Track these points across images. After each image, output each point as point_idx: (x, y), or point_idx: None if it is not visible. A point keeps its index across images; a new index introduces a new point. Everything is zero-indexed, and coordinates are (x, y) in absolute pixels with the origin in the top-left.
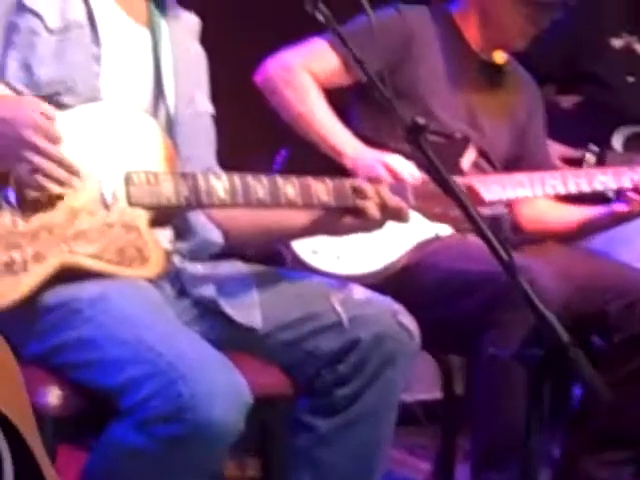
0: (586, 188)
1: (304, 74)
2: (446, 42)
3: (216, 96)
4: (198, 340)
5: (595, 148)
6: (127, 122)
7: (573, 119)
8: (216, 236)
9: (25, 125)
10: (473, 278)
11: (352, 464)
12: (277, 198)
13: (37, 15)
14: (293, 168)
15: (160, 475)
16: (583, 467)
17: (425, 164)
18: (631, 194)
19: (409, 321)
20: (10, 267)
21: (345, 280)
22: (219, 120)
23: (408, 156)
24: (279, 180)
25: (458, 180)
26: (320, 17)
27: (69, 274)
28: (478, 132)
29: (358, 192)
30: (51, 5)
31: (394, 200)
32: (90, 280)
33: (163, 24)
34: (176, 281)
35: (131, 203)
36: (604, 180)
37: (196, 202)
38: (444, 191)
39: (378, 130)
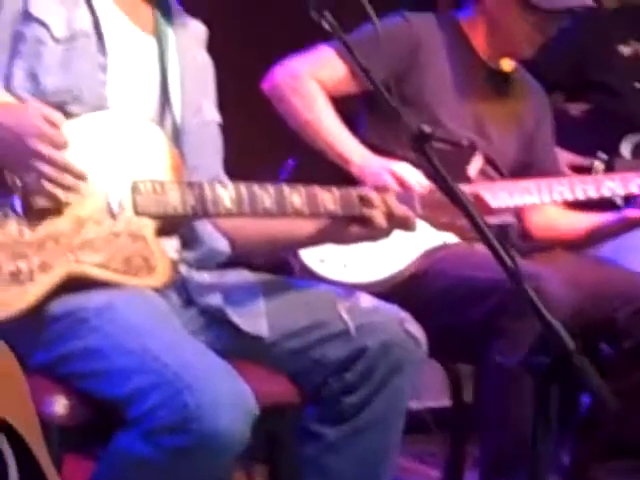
0: (594, 194)
1: (311, 82)
2: (453, 50)
3: (223, 105)
4: (204, 350)
5: (604, 156)
6: (133, 131)
7: (582, 127)
8: (223, 245)
9: (30, 134)
10: (480, 286)
11: (360, 471)
12: (283, 207)
13: (43, 24)
14: (300, 177)
15: None
16: (592, 475)
17: (431, 172)
18: None
19: (416, 329)
20: (16, 276)
21: (352, 288)
22: (226, 129)
23: (415, 164)
24: (285, 189)
25: (465, 188)
26: (326, 25)
27: (75, 283)
28: (486, 140)
29: (365, 201)
30: (57, 14)
31: (401, 209)
32: (96, 289)
33: (170, 33)
34: (182, 290)
35: (137, 212)
36: (612, 186)
37: (202, 211)
38: (450, 200)
39: (385, 138)
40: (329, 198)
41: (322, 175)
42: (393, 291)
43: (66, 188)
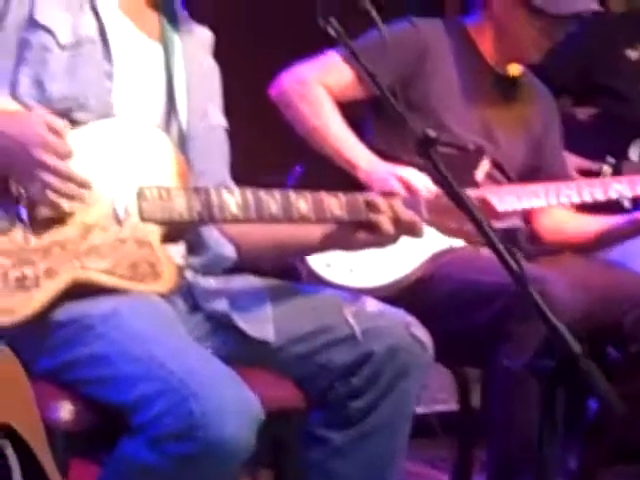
0: (601, 197)
1: (318, 88)
2: (460, 55)
3: (231, 111)
4: (209, 356)
5: (612, 160)
6: (139, 138)
7: (589, 131)
8: (229, 251)
9: (34, 143)
10: (485, 290)
11: (366, 476)
12: (290, 213)
13: (49, 31)
14: (307, 184)
15: None
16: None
17: (437, 177)
18: None
19: (422, 333)
20: (22, 283)
21: (358, 293)
22: (234, 135)
23: (422, 169)
24: (292, 195)
25: (471, 193)
26: (332, 32)
27: (81, 290)
28: (493, 144)
29: (371, 206)
30: (63, 21)
31: (407, 214)
32: (102, 296)
33: (176, 39)
34: (189, 296)
35: (143, 218)
36: (619, 189)
37: (209, 217)
38: (456, 204)
39: (392, 143)
40: (335, 204)
41: (330, 181)
42: (400, 295)
43: (70, 197)
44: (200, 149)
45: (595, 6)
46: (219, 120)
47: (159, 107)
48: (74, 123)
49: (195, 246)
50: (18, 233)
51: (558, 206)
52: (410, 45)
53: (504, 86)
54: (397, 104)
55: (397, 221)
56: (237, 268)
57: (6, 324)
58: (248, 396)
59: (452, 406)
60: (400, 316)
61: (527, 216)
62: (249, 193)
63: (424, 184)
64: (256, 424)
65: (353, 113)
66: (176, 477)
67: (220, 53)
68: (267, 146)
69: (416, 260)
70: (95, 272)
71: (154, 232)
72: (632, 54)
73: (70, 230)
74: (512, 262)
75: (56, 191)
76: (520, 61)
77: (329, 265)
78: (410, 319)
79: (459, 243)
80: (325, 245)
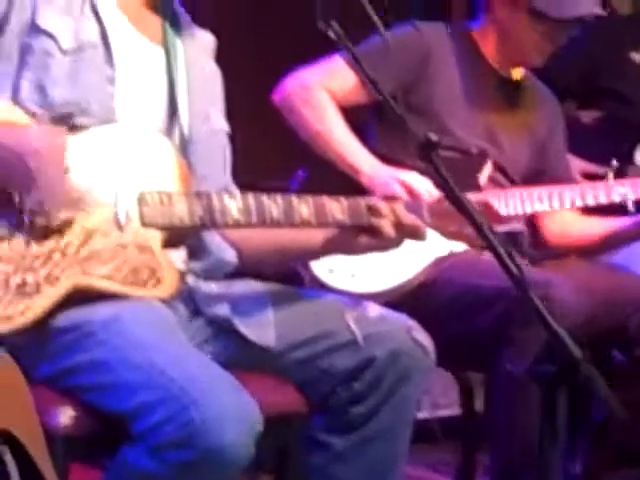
0: (604, 200)
1: (322, 92)
2: (464, 59)
3: (233, 115)
4: (209, 363)
5: (617, 164)
6: (141, 142)
7: (594, 134)
8: (230, 256)
9: (30, 154)
10: (487, 294)
11: None
12: (291, 218)
13: (51, 36)
14: (310, 188)
15: None
16: None
17: (439, 181)
18: None
19: (424, 337)
20: (22, 289)
21: (359, 298)
22: (237, 140)
23: (424, 173)
24: (293, 199)
25: (474, 197)
26: (333, 36)
27: (82, 295)
28: (497, 148)
29: (373, 211)
30: (65, 26)
31: (409, 218)
32: (103, 301)
33: (178, 43)
34: (190, 301)
35: (144, 224)
36: (623, 192)
37: (210, 222)
38: (457, 208)
39: (394, 148)
40: (337, 208)
41: (332, 186)
42: (402, 300)
43: (67, 208)
44: (202, 153)
45: (598, 10)
46: (221, 124)
47: (161, 111)
48: (76, 128)
49: (196, 251)
50: (19, 239)
51: (561, 210)
52: (413, 49)
53: (507, 90)
54: (398, 108)
55: (399, 225)
56: (239, 273)
57: (6, 331)
58: (248, 403)
59: (454, 411)
60: (402, 321)
61: (532, 220)
62: (251, 198)
63: (426, 188)
64: (256, 431)
65: (356, 118)
66: None
67: (222, 57)
68: (269, 150)
69: (418, 265)
70: (96, 278)
71: (155, 237)
72: (637, 57)
73: (71, 236)
74: (512, 266)
75: (52, 202)
76: (523, 65)
77: (332, 271)
78: (412, 323)
79: (461, 247)
80: (327, 249)
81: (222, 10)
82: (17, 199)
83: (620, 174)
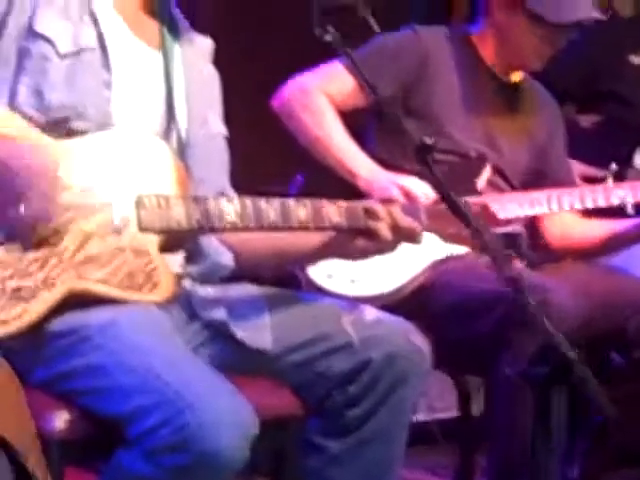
0: (603, 203)
1: (321, 97)
2: (463, 63)
3: (232, 120)
4: (204, 367)
5: (616, 168)
6: (139, 146)
7: (593, 138)
8: (227, 259)
9: (18, 167)
10: (486, 297)
11: None
12: (289, 221)
13: (49, 41)
14: (309, 193)
15: None
16: None
17: (435, 183)
18: None
19: (420, 341)
20: (18, 293)
21: (356, 301)
22: (237, 144)
23: (423, 177)
24: (291, 203)
25: (472, 199)
26: (329, 39)
27: (79, 299)
28: (497, 152)
29: (370, 213)
30: (63, 30)
31: (406, 221)
32: (99, 306)
33: (176, 48)
34: (186, 305)
35: (142, 227)
36: (622, 195)
37: (207, 226)
38: (452, 210)
39: (393, 152)
40: (334, 211)
41: (331, 191)
42: (401, 304)
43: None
44: (200, 157)
45: (596, 14)
46: (219, 128)
47: (158, 115)
48: (73, 132)
49: (193, 254)
50: (16, 244)
51: (560, 212)
52: (411, 51)
53: (507, 93)
54: (395, 110)
55: (396, 227)
56: (235, 276)
57: (1, 335)
58: (243, 407)
59: (453, 413)
60: (399, 324)
61: (532, 222)
62: (248, 201)
63: (425, 193)
64: (251, 434)
65: (355, 122)
66: None
67: (221, 62)
68: (268, 156)
69: (416, 268)
70: (92, 282)
71: (152, 241)
72: (636, 59)
73: (68, 240)
74: (507, 269)
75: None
76: (522, 69)
77: (330, 276)
78: (408, 326)
79: (460, 250)
80: (324, 253)
81: (221, 15)
82: (7, 212)
83: (619, 177)
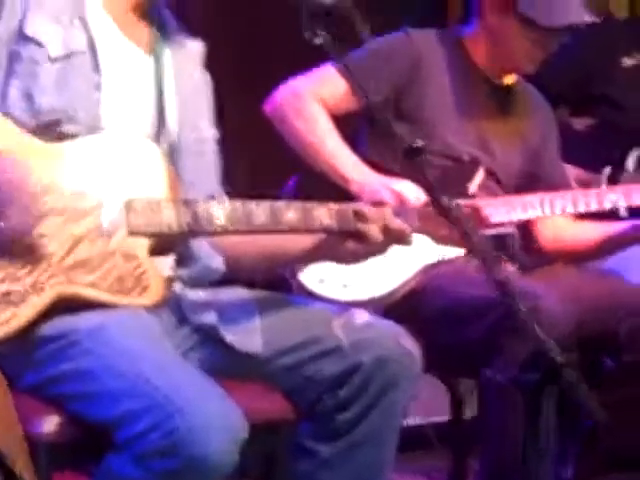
0: (596, 207)
1: (314, 102)
2: (454, 66)
3: (225, 124)
4: (194, 372)
5: (609, 172)
6: (129, 149)
7: (587, 141)
8: (217, 263)
9: (5, 187)
10: (478, 304)
11: None
12: (279, 223)
13: (39, 44)
14: (303, 197)
15: None
16: None
17: (425, 185)
18: None
19: (411, 344)
20: (8, 298)
21: (346, 305)
22: (234, 147)
23: (415, 181)
24: (281, 205)
25: (463, 202)
26: (319, 42)
27: (68, 303)
28: (489, 155)
29: (359, 216)
30: (54, 34)
31: (396, 223)
32: (88, 310)
33: (167, 51)
34: (176, 309)
35: (131, 231)
36: (614, 198)
37: (198, 229)
38: (439, 212)
39: (385, 155)
40: (325, 213)
41: (325, 194)
42: (392, 308)
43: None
44: (190, 161)
45: (588, 18)
46: (210, 131)
47: (149, 119)
48: (62, 135)
49: (184, 258)
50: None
51: (552, 216)
52: (403, 54)
53: (499, 96)
54: (385, 115)
55: (386, 229)
56: (225, 280)
57: None
58: (233, 411)
59: (447, 417)
60: (389, 328)
61: (525, 225)
62: (238, 204)
63: (417, 197)
64: (240, 439)
65: (348, 125)
66: None
67: (213, 67)
68: (262, 159)
69: (408, 272)
70: (81, 286)
71: (142, 245)
72: (627, 62)
73: (55, 244)
74: (497, 272)
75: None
76: (514, 71)
77: (322, 280)
78: (399, 330)
79: (452, 252)
80: (315, 255)
81: (213, 19)
82: None
83: (613, 180)
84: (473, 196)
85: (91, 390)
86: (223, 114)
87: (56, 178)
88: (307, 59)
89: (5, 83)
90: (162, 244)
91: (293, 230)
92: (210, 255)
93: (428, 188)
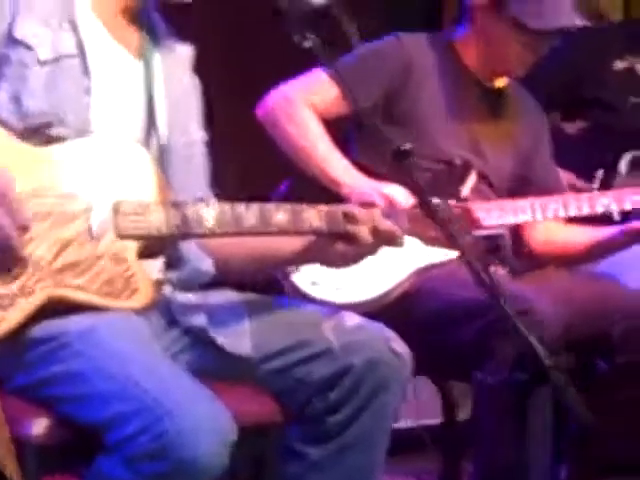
0: (588, 211)
1: (305, 107)
2: (446, 69)
3: (215, 127)
4: (183, 374)
5: (602, 174)
6: (118, 153)
7: (579, 144)
8: (207, 265)
9: None
10: (469, 307)
11: None
12: (268, 226)
13: (28, 47)
14: (294, 200)
15: None
16: None
17: (413, 187)
18: None
19: (401, 347)
20: None
21: (337, 308)
22: (226, 150)
23: (404, 184)
24: (270, 207)
25: (454, 204)
26: (308, 46)
27: (57, 306)
28: (481, 159)
29: (349, 217)
30: (43, 37)
31: (386, 224)
32: (79, 313)
33: (157, 55)
34: (166, 311)
35: (120, 234)
36: (606, 202)
37: (186, 232)
38: (426, 214)
39: (374, 159)
40: (314, 215)
41: (317, 198)
42: (384, 311)
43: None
44: (179, 164)
45: (578, 21)
46: (199, 135)
47: (138, 122)
48: (52, 139)
49: (173, 260)
50: None
51: (544, 220)
52: (395, 57)
53: (491, 99)
54: (374, 121)
55: (375, 231)
56: (215, 282)
57: None
58: (222, 414)
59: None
60: (379, 330)
61: (516, 229)
62: (227, 207)
63: (407, 201)
64: (230, 441)
65: (338, 130)
66: None
67: (208, 71)
68: (253, 162)
69: (401, 274)
70: (71, 289)
71: (131, 248)
72: (619, 64)
73: (43, 249)
74: (484, 275)
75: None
76: (505, 75)
77: (315, 283)
78: (389, 333)
79: (442, 254)
80: (304, 257)
81: (202, 23)
82: None
83: (605, 184)
84: (466, 199)
85: (81, 392)
86: (212, 118)
87: (44, 181)
88: (296, 63)
89: None
90: (151, 247)
91: (283, 232)
92: (199, 258)
93: (416, 190)
